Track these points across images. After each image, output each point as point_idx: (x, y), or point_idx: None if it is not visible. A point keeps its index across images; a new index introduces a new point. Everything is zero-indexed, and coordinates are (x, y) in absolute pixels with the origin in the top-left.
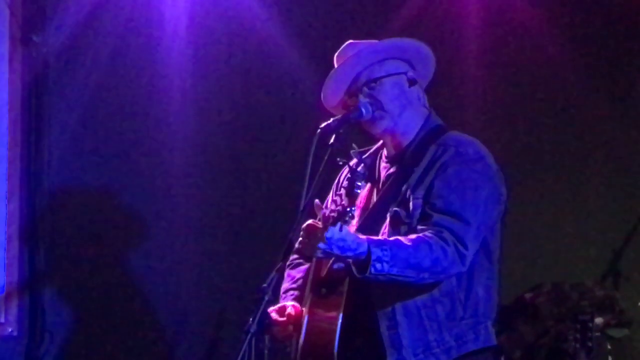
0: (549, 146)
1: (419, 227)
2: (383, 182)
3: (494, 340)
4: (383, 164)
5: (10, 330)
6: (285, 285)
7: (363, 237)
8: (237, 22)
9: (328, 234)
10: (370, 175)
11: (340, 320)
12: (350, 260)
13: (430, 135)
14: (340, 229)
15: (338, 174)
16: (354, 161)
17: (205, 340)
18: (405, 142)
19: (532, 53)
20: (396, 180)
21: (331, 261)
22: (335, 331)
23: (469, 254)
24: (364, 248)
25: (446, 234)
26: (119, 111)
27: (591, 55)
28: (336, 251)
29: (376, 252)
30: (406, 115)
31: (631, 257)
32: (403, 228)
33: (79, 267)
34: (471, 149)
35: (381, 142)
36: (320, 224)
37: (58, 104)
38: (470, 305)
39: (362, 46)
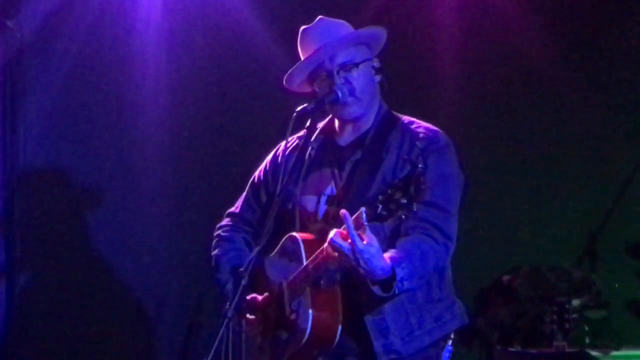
0: (526, 131)
1: (406, 222)
2: (351, 168)
3: (467, 319)
4: (339, 149)
5: None
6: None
7: (385, 255)
8: (211, 7)
9: (366, 256)
10: (323, 159)
11: (341, 313)
12: (371, 279)
13: (385, 120)
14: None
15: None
16: (294, 142)
17: (183, 324)
18: (364, 128)
19: (507, 40)
20: (367, 167)
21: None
22: (338, 323)
23: (454, 245)
24: (389, 269)
25: (435, 233)
26: (94, 95)
27: (569, 41)
28: (365, 273)
29: (399, 272)
30: (372, 103)
31: (608, 240)
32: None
33: (55, 252)
34: (440, 137)
35: (323, 126)
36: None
37: (33, 89)
38: (445, 287)
39: (340, 29)
